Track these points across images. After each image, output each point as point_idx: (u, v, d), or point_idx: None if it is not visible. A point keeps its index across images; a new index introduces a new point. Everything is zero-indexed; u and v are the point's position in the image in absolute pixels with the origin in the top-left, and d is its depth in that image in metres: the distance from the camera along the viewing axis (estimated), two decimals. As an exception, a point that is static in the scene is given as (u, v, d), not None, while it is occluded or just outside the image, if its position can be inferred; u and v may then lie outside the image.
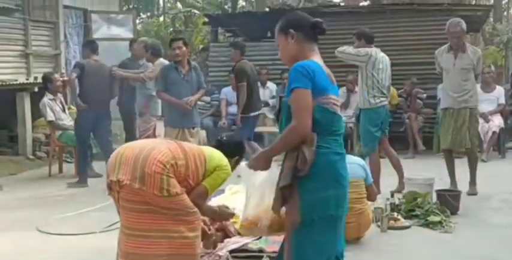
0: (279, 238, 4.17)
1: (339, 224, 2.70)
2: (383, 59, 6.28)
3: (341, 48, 6.36)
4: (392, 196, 5.49)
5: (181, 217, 3.28)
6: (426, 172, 6.49)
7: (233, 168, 3.69)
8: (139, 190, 3.19)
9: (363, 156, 5.92)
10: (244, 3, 26.69)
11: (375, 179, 6.17)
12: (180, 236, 3.26)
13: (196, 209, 3.33)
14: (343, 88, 9.67)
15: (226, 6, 22.99)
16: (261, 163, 2.73)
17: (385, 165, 6.46)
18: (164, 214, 3.25)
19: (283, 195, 2.63)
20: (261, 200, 3.03)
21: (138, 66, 7.85)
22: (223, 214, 3.88)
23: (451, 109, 6.35)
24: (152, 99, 7.45)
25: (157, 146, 3.36)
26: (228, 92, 9.41)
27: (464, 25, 6.24)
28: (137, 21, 21.24)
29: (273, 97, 9.73)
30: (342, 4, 15.31)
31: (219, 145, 3.79)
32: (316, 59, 2.70)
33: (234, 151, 3.82)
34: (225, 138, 4.03)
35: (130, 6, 22.99)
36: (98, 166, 7.70)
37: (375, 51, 6.25)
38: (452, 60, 6.26)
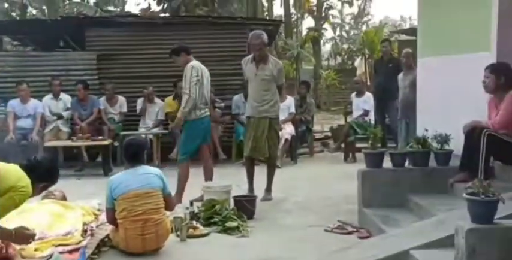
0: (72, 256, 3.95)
1: None
2: (204, 70, 6.35)
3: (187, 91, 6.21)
4: (191, 204, 5.50)
5: None
6: (225, 180, 6.62)
7: (38, 191, 3.38)
8: None
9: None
10: (34, 12, 25.21)
11: (180, 188, 6.20)
12: None
13: None
14: (142, 99, 9.60)
15: (13, 14, 21.49)
16: None
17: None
18: None
19: None
20: None
21: None
22: (21, 237, 3.54)
23: (252, 118, 6.55)
24: None
25: None
26: (15, 105, 8.75)
27: (265, 37, 6.45)
28: None
29: (67, 109, 9.26)
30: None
31: (29, 167, 3.44)
32: None
33: (43, 175, 3.50)
34: (38, 159, 3.66)
35: None
36: None
37: (198, 64, 6.32)
38: (254, 70, 6.46)
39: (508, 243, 2.98)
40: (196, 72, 6.28)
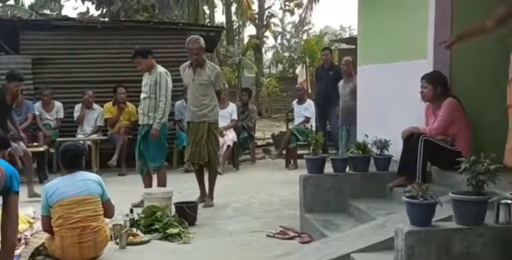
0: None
1: None
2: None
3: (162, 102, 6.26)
4: (131, 211, 5.39)
5: None
6: (166, 186, 6.53)
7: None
8: None
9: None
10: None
11: None
12: None
13: None
14: (79, 105, 9.38)
15: None
16: None
17: (122, 182, 6.37)
18: None
19: None
20: None
21: None
22: None
23: (191, 123, 6.53)
24: None
25: None
26: None
27: (202, 42, 6.46)
28: None
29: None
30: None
31: None
32: None
33: None
34: None
35: None
36: None
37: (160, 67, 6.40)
38: (192, 76, 6.45)
39: (446, 244, 3.05)
40: (170, 79, 6.35)
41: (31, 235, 4.55)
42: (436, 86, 4.84)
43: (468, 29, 4.48)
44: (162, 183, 6.47)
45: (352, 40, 14.55)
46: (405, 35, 5.63)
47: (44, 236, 4.46)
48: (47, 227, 4.36)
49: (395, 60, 5.82)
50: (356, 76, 7.47)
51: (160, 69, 6.37)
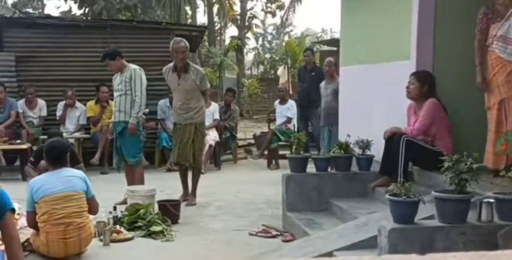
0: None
1: None
2: None
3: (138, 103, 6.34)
4: (115, 209, 5.39)
5: None
6: (148, 185, 6.54)
7: None
8: None
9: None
10: None
11: None
12: None
13: None
14: (62, 103, 9.34)
15: None
16: None
17: (104, 180, 6.37)
18: None
19: None
20: None
21: None
22: None
23: (178, 124, 6.56)
24: None
25: None
26: None
27: (187, 43, 6.50)
28: None
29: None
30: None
31: None
32: None
33: None
34: None
35: None
36: None
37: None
38: (177, 80, 6.47)
39: (428, 242, 3.12)
40: (144, 75, 6.41)
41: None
42: (424, 85, 4.89)
43: None
44: (140, 179, 6.49)
45: (333, 42, 14.67)
46: (388, 36, 5.72)
47: (29, 232, 4.46)
48: (32, 223, 4.36)
49: (378, 61, 5.91)
50: (338, 77, 7.55)
51: (133, 66, 6.45)
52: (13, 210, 3.12)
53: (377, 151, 5.28)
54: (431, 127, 4.87)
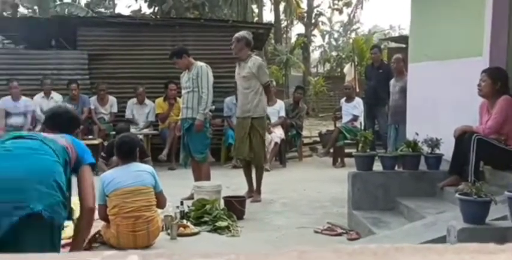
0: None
1: None
2: None
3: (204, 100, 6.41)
4: (181, 203, 5.50)
5: None
6: (214, 181, 6.63)
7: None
8: None
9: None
10: (26, 12, 25.14)
11: None
12: None
13: None
14: (131, 101, 9.60)
15: (5, 13, 21.41)
16: None
17: (172, 176, 6.49)
18: None
19: None
20: None
21: None
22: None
23: (239, 118, 6.63)
24: None
25: None
26: (7, 102, 8.71)
27: (238, 33, 6.56)
28: None
29: (58, 107, 9.21)
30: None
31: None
32: None
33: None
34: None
35: None
36: None
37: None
38: (237, 70, 6.56)
39: (500, 243, 3.01)
40: (211, 72, 6.51)
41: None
42: (496, 82, 4.71)
43: None
44: (206, 175, 6.58)
45: (402, 38, 14.39)
46: (459, 32, 5.56)
47: (100, 224, 4.61)
48: (103, 216, 4.51)
49: (448, 58, 5.75)
50: (407, 74, 7.40)
51: (200, 63, 6.54)
52: (91, 164, 3.13)
53: (446, 150, 5.14)
54: (504, 125, 4.69)
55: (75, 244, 3.08)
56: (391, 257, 0.69)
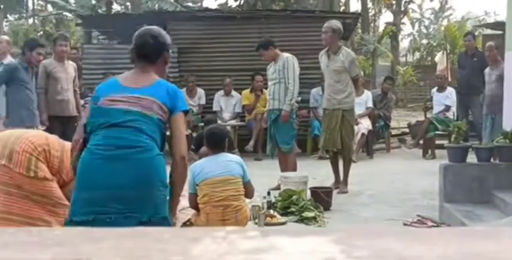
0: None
1: None
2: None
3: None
4: (268, 194, 5.55)
5: (50, 207, 3.17)
6: (301, 171, 6.64)
7: None
8: (4, 167, 3.08)
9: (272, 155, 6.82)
10: (119, 8, 26.17)
11: None
12: (44, 225, 3.09)
13: (67, 202, 3.15)
14: (219, 93, 9.76)
15: (100, 10, 22.38)
16: None
17: (258, 166, 6.54)
18: (34, 201, 3.13)
19: None
20: None
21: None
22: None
23: (326, 110, 6.58)
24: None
25: (34, 131, 3.27)
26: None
27: (333, 23, 6.48)
28: (4, 22, 19.98)
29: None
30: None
31: None
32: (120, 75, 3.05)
33: None
34: None
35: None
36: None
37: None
38: (326, 62, 6.49)
39: None
40: (297, 63, 6.52)
41: (179, 211, 4.85)
42: None
43: None
44: (293, 165, 6.60)
45: (497, 25, 13.72)
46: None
47: (190, 212, 4.73)
48: (194, 204, 4.62)
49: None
50: (502, 62, 7.06)
51: (286, 54, 6.54)
52: (184, 111, 3.00)
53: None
54: None
55: (173, 199, 2.99)
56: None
